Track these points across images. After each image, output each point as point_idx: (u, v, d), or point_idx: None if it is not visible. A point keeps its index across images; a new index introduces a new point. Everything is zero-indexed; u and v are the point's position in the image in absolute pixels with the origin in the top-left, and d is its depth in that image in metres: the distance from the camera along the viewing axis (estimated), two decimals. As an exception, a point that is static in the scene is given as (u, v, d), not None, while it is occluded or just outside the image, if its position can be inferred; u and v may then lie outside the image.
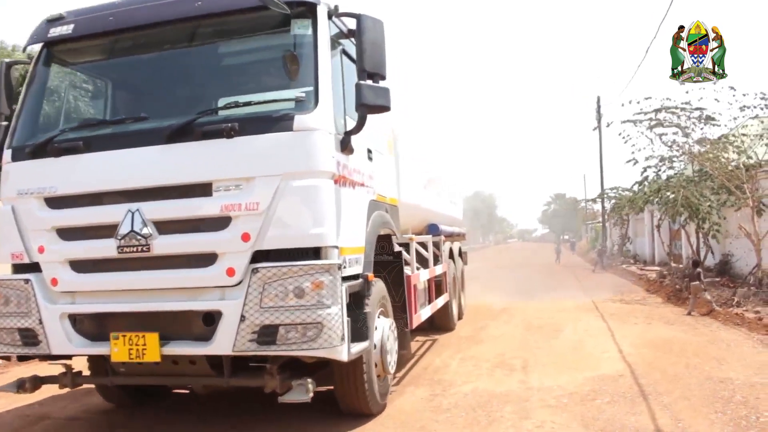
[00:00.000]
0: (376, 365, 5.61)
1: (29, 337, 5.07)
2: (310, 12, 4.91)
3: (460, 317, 11.82)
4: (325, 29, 4.94)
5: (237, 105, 4.90)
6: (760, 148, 15.02)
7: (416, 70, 9.54)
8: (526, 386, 6.74)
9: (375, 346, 5.57)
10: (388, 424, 5.59)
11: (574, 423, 5.39)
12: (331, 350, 4.51)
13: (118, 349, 4.75)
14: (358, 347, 4.96)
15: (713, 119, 15.14)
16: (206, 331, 4.67)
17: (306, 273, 4.50)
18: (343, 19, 5.26)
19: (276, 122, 4.65)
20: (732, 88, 13.80)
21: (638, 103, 15.88)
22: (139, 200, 4.77)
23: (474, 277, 18.53)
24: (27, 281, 5.09)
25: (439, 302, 9.30)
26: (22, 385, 5.32)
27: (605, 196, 34.07)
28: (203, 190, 4.69)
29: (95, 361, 5.70)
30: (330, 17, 5.05)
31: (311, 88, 4.75)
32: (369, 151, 5.85)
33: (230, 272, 4.61)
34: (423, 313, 7.83)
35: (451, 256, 10.93)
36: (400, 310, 6.60)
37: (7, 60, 5.75)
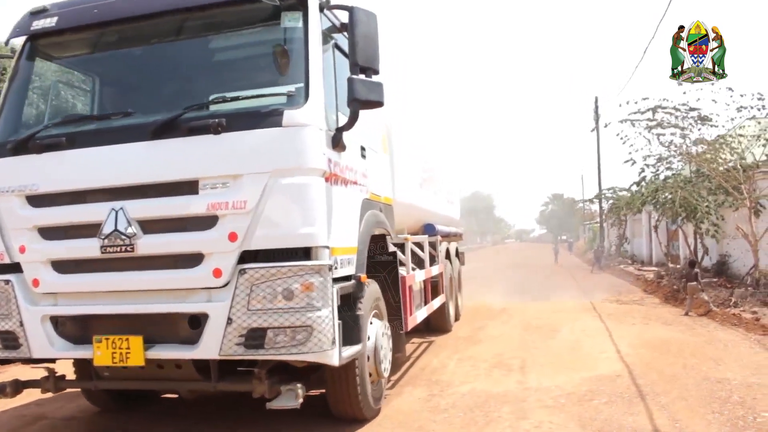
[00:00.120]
0: (369, 369, 5.47)
1: (9, 340, 4.90)
2: (301, 4, 4.75)
3: (457, 318, 11.71)
4: (317, 22, 4.79)
5: (225, 100, 4.74)
6: (757, 148, 15.06)
7: (413, 68, 9.37)
8: (523, 386, 6.72)
9: (368, 349, 5.41)
10: (385, 424, 5.56)
11: (572, 423, 5.37)
12: (322, 354, 4.38)
13: (101, 352, 4.60)
14: (350, 351, 4.82)
15: (708, 119, 15.16)
16: (192, 334, 4.52)
17: (295, 274, 4.35)
18: (336, 12, 5.10)
19: (265, 118, 4.48)
20: (729, 88, 13.84)
21: (636, 103, 15.94)
22: (123, 198, 4.61)
23: (472, 278, 18.53)
24: (7, 282, 4.92)
25: (436, 303, 9.13)
26: (2, 390, 5.17)
27: (603, 196, 34.16)
28: (189, 187, 4.52)
29: (81, 365, 5.57)
30: (321, 10, 4.89)
31: (301, 83, 4.59)
32: (362, 149, 5.66)
33: (217, 273, 4.45)
34: (419, 315, 7.68)
35: (447, 256, 10.79)
36: (395, 311, 6.45)
37: None
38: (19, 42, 5.47)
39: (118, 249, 4.59)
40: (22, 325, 4.87)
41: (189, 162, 4.53)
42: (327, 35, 5.01)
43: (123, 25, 5.08)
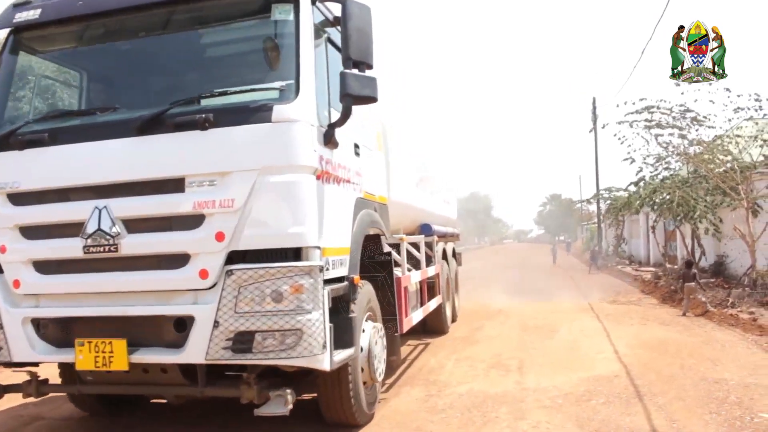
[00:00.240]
0: (362, 372, 5.32)
1: None
2: None
3: (453, 320, 11.60)
4: (308, 14, 4.63)
5: (213, 95, 4.54)
6: (755, 149, 15.09)
7: (410, 66, 9.34)
8: (521, 387, 6.72)
9: (362, 353, 5.28)
10: (383, 424, 5.55)
11: (570, 423, 5.36)
12: (312, 359, 4.22)
13: (84, 356, 4.46)
14: (343, 355, 4.66)
15: (701, 121, 15.19)
16: (178, 338, 4.37)
17: (284, 275, 4.20)
18: (329, 5, 4.97)
19: (254, 113, 4.32)
20: (727, 89, 13.86)
21: (633, 104, 15.94)
22: (107, 196, 4.47)
23: (469, 278, 18.55)
24: None
25: (432, 305, 9.01)
26: None
27: (600, 196, 34.19)
28: (175, 185, 4.37)
29: (66, 368, 5.41)
30: (313, 2, 4.74)
31: (292, 77, 4.43)
32: (356, 146, 5.50)
33: (203, 274, 4.30)
34: (414, 317, 7.56)
35: (444, 257, 10.69)
36: (390, 313, 6.31)
37: None
38: (2, 35, 5.30)
39: (102, 249, 4.46)
40: (1, 327, 4.73)
41: (175, 159, 4.39)
42: (319, 29, 4.87)
43: (109, 18, 4.92)
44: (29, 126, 4.89)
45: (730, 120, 14.99)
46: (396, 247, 7.11)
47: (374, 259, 6.15)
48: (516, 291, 17.89)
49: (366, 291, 5.52)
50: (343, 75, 4.44)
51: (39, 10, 4.97)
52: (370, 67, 4.54)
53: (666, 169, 18.37)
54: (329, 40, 5.09)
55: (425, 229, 9.11)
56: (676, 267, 19.57)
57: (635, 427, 5.21)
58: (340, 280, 4.92)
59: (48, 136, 4.67)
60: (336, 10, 4.81)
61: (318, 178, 4.52)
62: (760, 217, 14.45)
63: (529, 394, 6.37)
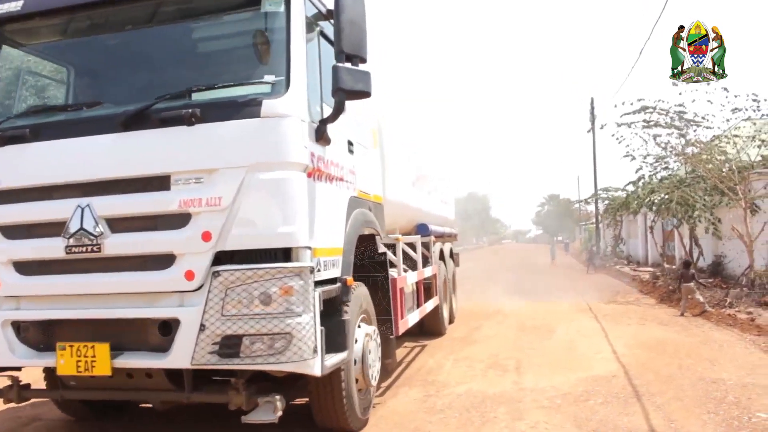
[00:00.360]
0: (356, 378, 5.18)
1: None
2: None
3: (451, 321, 11.48)
4: (300, 6, 4.48)
5: (200, 89, 4.37)
6: (753, 149, 15.11)
7: (407, 64, 9.29)
8: (519, 387, 6.72)
9: (355, 356, 5.13)
10: (381, 425, 5.55)
11: (568, 424, 5.37)
12: (302, 364, 4.06)
13: (65, 361, 4.30)
14: (335, 359, 4.50)
15: (698, 122, 15.22)
16: (163, 342, 4.22)
17: (273, 277, 4.04)
18: None
19: (242, 108, 4.17)
20: (725, 89, 13.89)
21: (631, 104, 15.98)
22: (90, 195, 4.33)
23: (467, 278, 18.55)
24: None
25: (429, 306, 8.87)
26: None
27: (598, 197, 34.22)
28: (161, 183, 4.22)
29: (50, 372, 5.17)
30: None
31: (282, 71, 4.27)
32: (350, 143, 5.36)
33: (189, 275, 4.16)
34: (410, 319, 7.42)
35: (441, 257, 10.57)
36: (386, 315, 6.17)
37: None
38: None
39: (84, 249, 4.31)
40: None
41: (161, 156, 4.24)
42: (312, 22, 4.73)
43: (94, 11, 4.77)
44: (10, 122, 4.74)
45: (728, 120, 15.05)
46: (392, 247, 7.00)
47: (369, 260, 6.03)
48: (514, 291, 17.89)
49: (360, 293, 5.38)
50: (335, 69, 4.28)
51: (21, 2, 4.80)
52: (363, 61, 4.38)
53: (665, 168, 18.43)
54: (322, 34, 4.93)
55: (422, 229, 9.00)
56: (674, 267, 19.59)
57: (633, 427, 5.22)
58: (332, 281, 4.80)
59: (30, 132, 4.52)
60: (329, 2, 4.65)
61: (309, 175, 4.38)
62: (757, 217, 14.48)
63: (527, 395, 6.38)
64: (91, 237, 4.29)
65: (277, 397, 4.27)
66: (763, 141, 14.88)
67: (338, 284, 4.86)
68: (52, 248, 4.40)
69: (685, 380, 6.76)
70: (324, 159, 4.69)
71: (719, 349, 8.61)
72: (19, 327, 4.61)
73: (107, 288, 4.38)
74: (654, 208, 18.76)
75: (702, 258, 18.34)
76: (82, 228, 4.31)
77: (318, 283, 4.34)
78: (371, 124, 6.22)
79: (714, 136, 15.61)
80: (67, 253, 4.36)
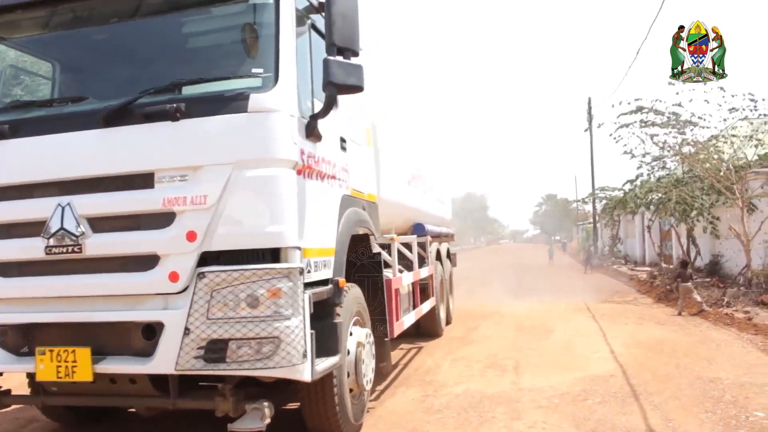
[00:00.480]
0: (349, 382, 5.01)
1: None
2: None
3: (448, 322, 11.38)
4: None
5: (185, 83, 4.20)
6: (749, 149, 15.15)
7: (403, 61, 9.21)
8: (517, 387, 6.72)
9: (348, 360, 4.96)
10: (379, 425, 5.55)
11: (566, 423, 5.37)
12: (291, 369, 3.90)
13: (45, 366, 4.13)
14: (326, 364, 4.33)
15: (694, 123, 15.27)
16: (147, 346, 4.04)
17: (260, 278, 3.87)
18: None
19: (229, 102, 4.01)
20: (721, 88, 13.92)
21: (629, 104, 16.02)
22: (71, 193, 4.16)
23: (465, 278, 18.55)
24: None
25: (425, 307, 8.74)
26: None
27: (595, 196, 34.26)
28: (144, 181, 4.06)
29: (33, 377, 4.87)
30: None
31: (271, 64, 4.12)
32: (342, 140, 5.18)
33: (173, 277, 3.99)
34: (406, 320, 7.28)
35: (438, 257, 10.45)
36: (380, 317, 6.02)
37: None
38: None
39: (65, 249, 4.14)
40: None
41: (144, 152, 4.08)
42: (302, 15, 4.59)
43: (78, 3, 4.62)
44: None
45: (725, 120, 15.09)
46: (387, 247, 6.89)
47: (363, 261, 5.87)
48: (512, 291, 17.92)
49: (353, 294, 5.23)
50: (326, 62, 4.11)
51: None
52: (356, 54, 4.23)
53: (663, 168, 18.49)
54: (313, 27, 4.78)
55: (418, 229, 8.87)
56: (671, 266, 19.64)
57: (631, 427, 5.22)
58: (324, 283, 4.66)
59: (9, 128, 4.36)
60: None
61: (299, 173, 4.22)
62: (754, 216, 14.51)
63: (525, 394, 6.38)
64: (72, 237, 4.13)
65: (266, 403, 4.12)
66: (759, 141, 14.92)
67: (330, 286, 4.71)
68: (32, 249, 4.24)
69: (682, 379, 6.77)
70: (315, 156, 4.52)
71: (717, 349, 8.63)
72: None
73: (88, 290, 4.22)
74: (652, 207, 18.81)
75: (699, 257, 18.38)
76: (62, 228, 4.15)
77: (308, 285, 4.21)
78: (365, 121, 6.07)
79: (712, 136, 15.65)
80: (46, 253, 4.19)
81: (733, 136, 15.18)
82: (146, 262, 4.08)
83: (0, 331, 4.43)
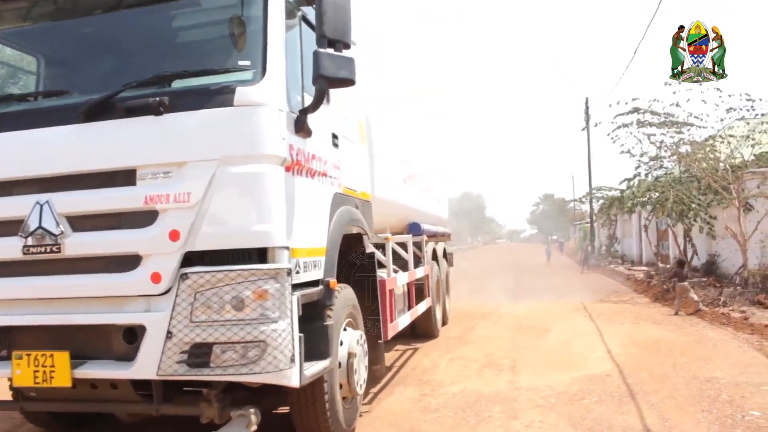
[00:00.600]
0: (341, 386, 4.87)
1: None
2: None
3: (444, 323, 11.25)
4: None
5: (169, 76, 4.05)
6: (746, 149, 15.19)
7: (399, 59, 9.16)
8: (514, 386, 6.73)
9: (339, 363, 4.82)
10: (376, 424, 5.55)
11: (563, 422, 5.38)
12: (278, 374, 3.75)
13: (22, 371, 3.96)
14: (316, 368, 4.18)
15: (689, 123, 15.30)
16: (128, 350, 3.88)
17: (246, 279, 3.71)
18: None
19: (214, 96, 3.85)
20: (718, 89, 13.94)
21: (626, 104, 16.05)
22: (50, 190, 4.00)
23: (462, 278, 18.56)
24: None
25: (421, 308, 8.56)
26: None
27: (592, 196, 34.33)
28: (126, 177, 3.90)
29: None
30: None
31: (258, 56, 3.96)
32: (334, 137, 5.01)
33: (156, 278, 3.82)
34: (401, 322, 7.09)
35: (434, 257, 10.31)
36: (374, 318, 5.88)
37: None
38: None
39: (43, 249, 3.97)
40: None
41: (126, 148, 3.91)
42: (293, 6, 4.44)
43: None
44: None
45: (722, 120, 15.12)
46: (382, 247, 6.78)
47: (356, 261, 5.73)
48: (509, 291, 17.93)
49: (345, 295, 5.07)
50: (316, 54, 3.94)
51: None
52: (347, 46, 4.06)
53: (660, 167, 18.54)
54: (304, 19, 4.60)
55: (414, 228, 8.72)
56: (668, 266, 19.68)
57: (628, 426, 5.23)
58: (314, 284, 4.50)
59: None
60: None
61: (288, 169, 4.06)
62: (751, 216, 14.55)
63: (522, 394, 6.39)
64: (51, 236, 3.97)
65: (252, 410, 3.99)
66: (756, 140, 14.96)
67: (321, 287, 4.56)
68: (9, 248, 4.07)
69: (679, 379, 6.79)
70: (304, 152, 4.35)
71: (713, 348, 8.65)
72: None
73: (68, 291, 4.04)
74: (649, 207, 18.86)
75: (696, 257, 18.43)
76: (41, 226, 3.98)
77: (297, 286, 4.08)
78: (359, 118, 5.90)
79: (709, 136, 15.69)
80: (24, 253, 4.02)
81: (731, 136, 15.22)
82: (127, 262, 3.92)
83: None
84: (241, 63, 4.03)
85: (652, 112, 15.52)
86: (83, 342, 4.01)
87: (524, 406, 5.93)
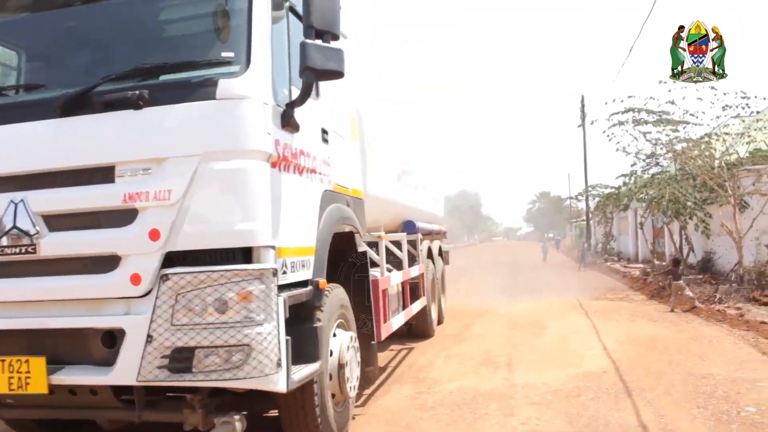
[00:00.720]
0: (332, 390, 4.75)
1: None
2: None
3: (440, 322, 11.14)
4: None
5: (148, 69, 3.88)
6: (741, 146, 15.22)
7: (393, 54, 9.05)
8: (511, 383, 6.74)
9: (330, 367, 4.70)
10: (372, 422, 5.55)
11: (559, 420, 5.39)
12: (264, 380, 3.59)
13: None
14: (304, 372, 4.03)
15: (685, 121, 15.34)
16: (107, 355, 3.71)
17: (229, 281, 3.55)
18: None
19: (195, 89, 3.70)
20: (713, 87, 13.96)
21: (621, 101, 16.08)
22: (25, 188, 3.85)
23: (459, 276, 18.55)
24: None
25: (415, 307, 8.46)
26: None
27: (588, 193, 34.36)
28: (104, 175, 3.74)
29: None
30: None
31: (242, 47, 3.80)
32: (324, 132, 4.85)
33: (135, 279, 3.66)
34: (395, 322, 6.98)
35: (430, 255, 10.23)
36: (367, 319, 5.77)
37: None
38: None
39: (18, 250, 3.82)
40: None
41: (104, 144, 3.76)
42: None
43: None
44: None
45: (718, 117, 15.15)
46: (375, 246, 6.69)
47: (348, 260, 5.62)
48: (506, 289, 17.93)
49: (336, 296, 4.94)
50: (303, 45, 3.81)
51: None
52: (335, 37, 3.93)
53: (656, 165, 18.59)
54: (292, 10, 4.44)
55: (408, 226, 8.60)
56: (663, 264, 19.73)
57: (624, 423, 5.24)
58: (303, 284, 4.35)
59: None
60: None
61: (273, 165, 3.91)
62: (746, 213, 14.58)
63: (518, 391, 6.39)
64: (26, 236, 3.82)
65: (236, 416, 3.83)
66: (751, 138, 15.00)
67: (310, 287, 4.41)
68: None
69: (675, 376, 6.80)
70: (292, 147, 4.18)
71: (709, 345, 8.67)
72: None
73: (44, 294, 3.88)
74: (645, 204, 18.90)
75: (693, 254, 18.47)
76: (15, 226, 3.83)
77: (284, 287, 3.93)
78: (350, 113, 5.73)
79: (705, 134, 15.72)
80: None
81: (726, 133, 15.25)
82: (106, 263, 3.76)
83: None
84: (224, 55, 3.87)
85: (648, 111, 15.57)
86: (61, 346, 3.86)
87: (520, 403, 5.93)
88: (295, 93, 4.15)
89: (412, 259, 8.64)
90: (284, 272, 3.97)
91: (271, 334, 3.61)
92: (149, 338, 3.59)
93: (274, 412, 4.92)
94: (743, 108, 14.48)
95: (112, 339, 3.73)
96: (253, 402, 4.36)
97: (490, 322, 11.72)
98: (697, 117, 15.11)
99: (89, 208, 3.81)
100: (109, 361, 3.71)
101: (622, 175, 20.31)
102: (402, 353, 8.75)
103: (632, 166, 18.85)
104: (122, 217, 3.73)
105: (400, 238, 7.99)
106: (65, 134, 3.83)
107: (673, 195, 16.19)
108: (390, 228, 7.98)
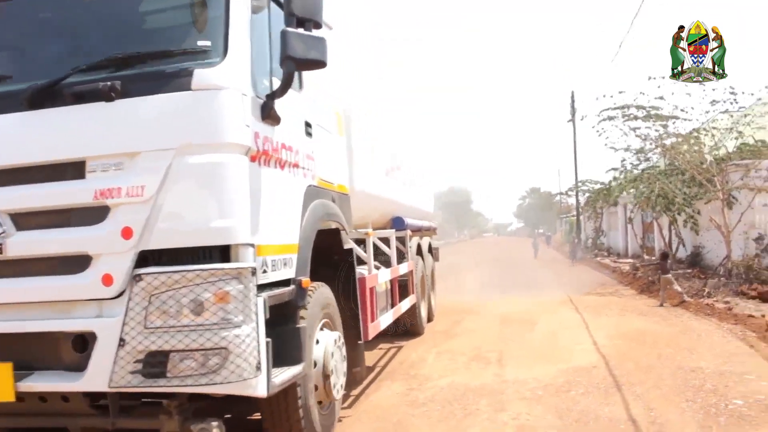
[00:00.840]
0: (316, 391, 4.60)
1: None
2: None
3: (430, 320, 11.01)
4: None
5: (120, 59, 3.68)
6: (730, 141, 15.32)
7: (383, 48, 8.88)
8: (501, 379, 6.75)
9: (315, 368, 4.56)
10: (363, 419, 5.55)
11: (549, 414, 5.40)
12: (242, 384, 3.43)
13: None
14: (286, 375, 3.88)
15: (675, 116, 15.42)
16: (78, 359, 3.54)
17: (206, 281, 3.39)
18: None
19: (170, 80, 3.54)
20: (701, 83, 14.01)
21: (612, 97, 16.14)
22: None
23: (449, 273, 18.59)
24: None
25: (404, 305, 8.32)
26: None
27: (578, 189, 34.50)
28: (74, 170, 3.58)
29: None
30: None
31: (219, 35, 3.64)
32: (307, 125, 4.67)
33: (107, 280, 3.49)
34: (383, 321, 6.87)
35: (419, 252, 10.09)
36: (354, 318, 5.64)
37: None
38: None
39: None
40: None
41: (74, 138, 3.60)
42: None
43: None
44: None
45: (707, 112, 15.22)
46: (362, 243, 6.59)
47: (334, 258, 5.51)
48: (497, 285, 17.97)
49: (320, 295, 4.80)
50: (283, 34, 3.66)
51: None
52: (318, 26, 3.80)
53: (646, 160, 18.71)
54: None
55: (397, 222, 8.41)
56: (653, 258, 19.84)
57: (614, 417, 5.27)
58: (285, 283, 4.19)
59: None
60: None
61: (253, 159, 3.75)
62: (735, 208, 14.68)
63: (509, 386, 6.41)
64: None
65: (214, 423, 3.67)
66: (740, 133, 15.09)
67: (292, 287, 4.25)
68: None
69: (664, 369, 6.84)
70: (272, 141, 4.02)
71: (698, 339, 8.73)
72: None
73: (11, 296, 3.71)
74: (634, 200, 19.02)
75: (683, 248, 18.58)
76: None
77: (265, 287, 3.79)
78: (336, 106, 5.58)
79: (693, 129, 15.81)
80: None
81: (714, 128, 15.34)
82: (76, 263, 3.60)
83: None
84: (200, 44, 3.70)
85: (638, 107, 15.63)
86: (29, 351, 3.67)
87: (511, 399, 5.95)
88: (277, 84, 4.00)
89: (401, 256, 8.54)
90: (264, 271, 3.83)
91: (249, 336, 3.45)
92: (122, 342, 3.42)
93: (257, 415, 4.85)
94: (731, 103, 14.58)
95: (84, 343, 3.57)
96: (234, 405, 4.24)
97: (480, 318, 11.72)
98: (686, 112, 15.20)
99: (59, 205, 3.65)
100: (80, 367, 3.54)
101: (613, 169, 20.43)
102: (392, 351, 8.73)
103: (622, 161, 19.03)
104: (93, 214, 3.58)
105: (388, 235, 7.86)
106: (33, 128, 3.67)
107: (662, 190, 16.28)
108: (378, 224, 7.84)
